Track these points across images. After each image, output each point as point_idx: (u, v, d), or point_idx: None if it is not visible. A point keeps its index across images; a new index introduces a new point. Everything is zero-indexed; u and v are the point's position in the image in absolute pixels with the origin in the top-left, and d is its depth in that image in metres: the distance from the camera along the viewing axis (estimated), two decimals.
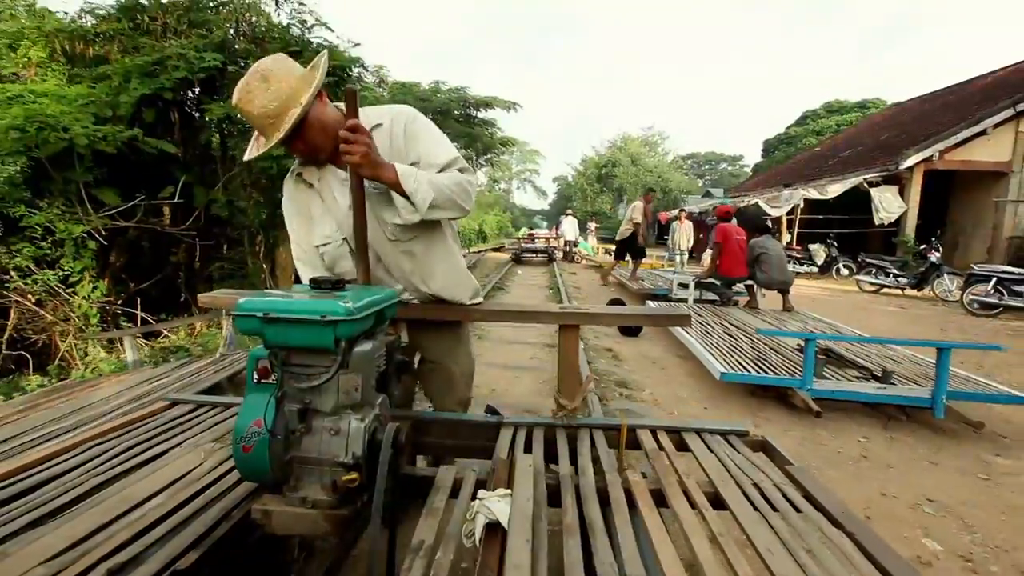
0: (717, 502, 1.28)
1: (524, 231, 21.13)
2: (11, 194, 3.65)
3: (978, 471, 2.72)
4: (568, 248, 15.63)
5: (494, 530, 1.10)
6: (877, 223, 11.26)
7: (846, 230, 12.56)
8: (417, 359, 1.73)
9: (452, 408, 1.79)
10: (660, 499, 1.30)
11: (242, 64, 5.63)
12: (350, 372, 1.07)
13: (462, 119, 10.22)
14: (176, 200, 4.95)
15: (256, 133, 1.30)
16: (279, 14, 6.26)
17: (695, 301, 6.67)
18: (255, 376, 1.07)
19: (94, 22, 5.73)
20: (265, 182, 5.76)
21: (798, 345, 3.85)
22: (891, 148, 12.55)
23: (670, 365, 4.64)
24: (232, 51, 5.70)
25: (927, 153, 10.89)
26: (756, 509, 1.23)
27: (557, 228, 18.53)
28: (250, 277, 5.96)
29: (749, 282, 6.07)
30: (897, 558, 1.04)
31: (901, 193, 11.28)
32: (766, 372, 3.49)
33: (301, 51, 5.84)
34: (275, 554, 1.24)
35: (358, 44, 6.52)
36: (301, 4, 6.25)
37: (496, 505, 1.13)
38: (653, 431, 1.70)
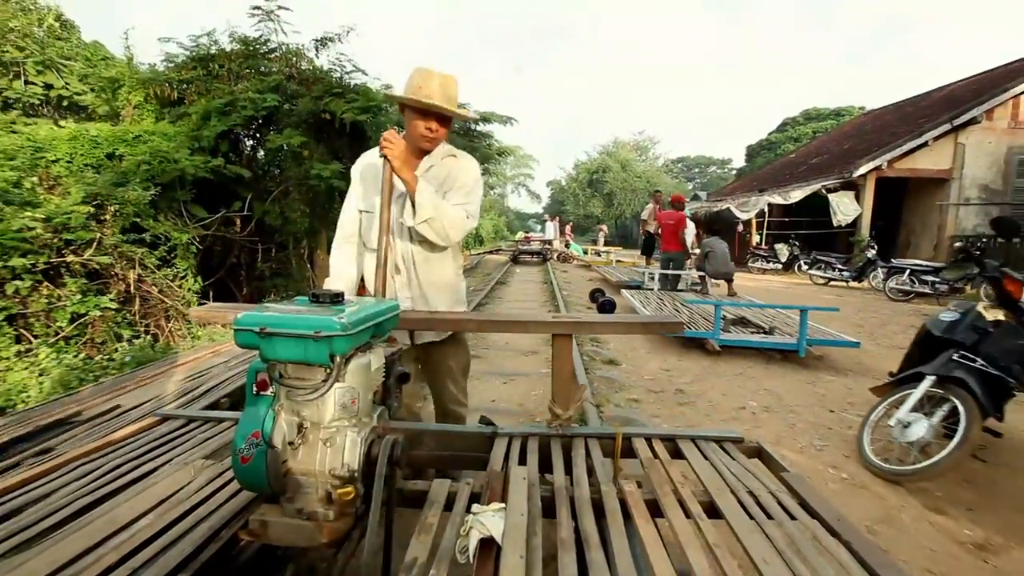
0: (712, 511, 1.28)
1: (520, 234, 21.77)
2: (145, 211, 4.80)
3: (808, 380, 4.16)
4: (547, 246, 17.49)
5: (488, 545, 1.09)
6: (835, 224, 12.55)
7: (811, 231, 13.92)
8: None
9: (453, 397, 1.94)
10: (655, 509, 1.29)
11: (294, 102, 6.68)
12: (347, 385, 1.07)
13: (463, 132, 11.04)
14: (243, 213, 6.23)
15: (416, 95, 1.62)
16: (319, 58, 7.52)
17: (659, 288, 7.93)
18: (254, 388, 1.07)
19: (168, 67, 7.06)
20: (311, 196, 6.73)
21: (726, 315, 5.42)
22: (851, 156, 13.72)
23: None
24: (285, 92, 6.78)
25: (877, 162, 12.16)
26: (752, 518, 1.23)
27: (554, 231, 20.18)
28: (294, 275, 6.96)
29: (701, 273, 7.61)
30: (894, 567, 1.04)
31: (857, 198, 12.53)
32: (691, 328, 4.98)
33: (343, 92, 6.76)
34: (266, 574, 1.22)
35: (390, 86, 7.59)
36: (341, 54, 7.51)
37: (490, 520, 1.12)
38: (648, 439, 1.70)
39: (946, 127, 11.90)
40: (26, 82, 6.75)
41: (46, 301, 3.94)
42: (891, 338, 5.77)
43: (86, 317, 4.10)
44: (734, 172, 44.00)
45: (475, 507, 1.19)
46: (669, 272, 8.15)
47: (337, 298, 1.14)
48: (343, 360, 1.04)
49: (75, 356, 3.92)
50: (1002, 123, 12.02)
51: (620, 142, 42.71)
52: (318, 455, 1.05)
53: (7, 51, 6.66)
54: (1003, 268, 2.67)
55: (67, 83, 7.06)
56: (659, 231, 8.71)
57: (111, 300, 4.26)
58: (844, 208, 12.40)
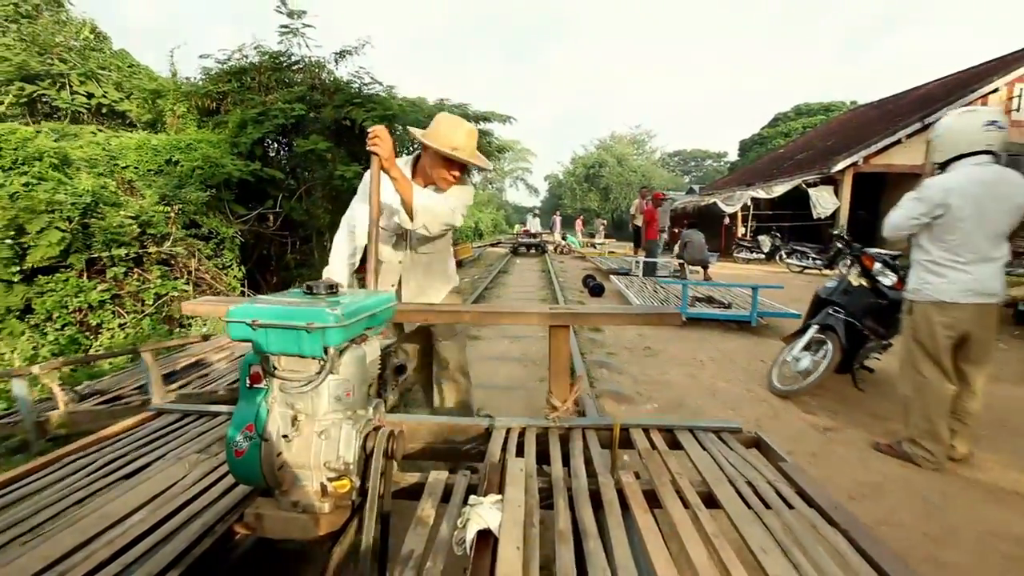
0: (711, 501, 1.27)
1: (518, 227, 23.67)
2: (199, 210, 5.56)
3: (754, 342, 4.99)
4: (543, 239, 18.81)
5: (485, 537, 1.08)
6: (815, 217, 13.40)
7: (794, 223, 14.76)
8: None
9: (455, 371, 2.10)
10: (653, 500, 1.29)
11: (318, 111, 7.50)
12: (341, 378, 1.05)
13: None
14: (275, 210, 7.05)
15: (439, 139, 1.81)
16: (338, 69, 8.42)
17: (643, 274, 8.94)
18: (247, 381, 1.06)
19: (205, 79, 7.97)
20: (334, 195, 7.46)
21: (696, 294, 6.36)
22: (832, 152, 14.37)
23: (612, 299, 7.62)
24: (309, 101, 7.56)
25: (854, 159, 12.92)
26: (750, 507, 1.22)
27: (551, 227, 22.23)
28: (316, 265, 7.33)
29: (681, 260, 8.52)
30: (892, 556, 1.04)
31: (837, 192, 13.23)
32: (663, 303, 6.22)
33: (362, 103, 7.49)
34: (260, 570, 1.21)
35: (393, 87, 8.68)
36: (361, 67, 8.54)
37: (487, 512, 1.11)
38: (646, 430, 1.69)
39: (917, 125, 12.56)
40: (71, 92, 7.51)
41: (137, 284, 4.80)
42: None
43: (165, 297, 4.90)
44: (728, 165, 44.19)
45: (472, 499, 1.18)
46: (651, 260, 9.17)
47: (331, 290, 1.12)
48: (337, 352, 1.03)
49: (155, 328, 4.68)
50: None
51: (617, 136, 43.38)
52: (313, 448, 1.04)
53: (54, 64, 7.48)
54: (863, 249, 3.52)
55: (105, 92, 7.78)
56: (647, 224, 9.72)
57: (184, 283, 5.12)
58: (823, 202, 13.18)
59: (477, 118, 13.13)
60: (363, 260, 1.85)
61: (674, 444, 1.65)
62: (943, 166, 2.46)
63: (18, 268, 4.05)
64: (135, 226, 4.72)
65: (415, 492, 1.33)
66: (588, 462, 1.47)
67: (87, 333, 4.42)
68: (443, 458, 1.74)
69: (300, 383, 1.02)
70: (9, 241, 3.98)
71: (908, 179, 12.46)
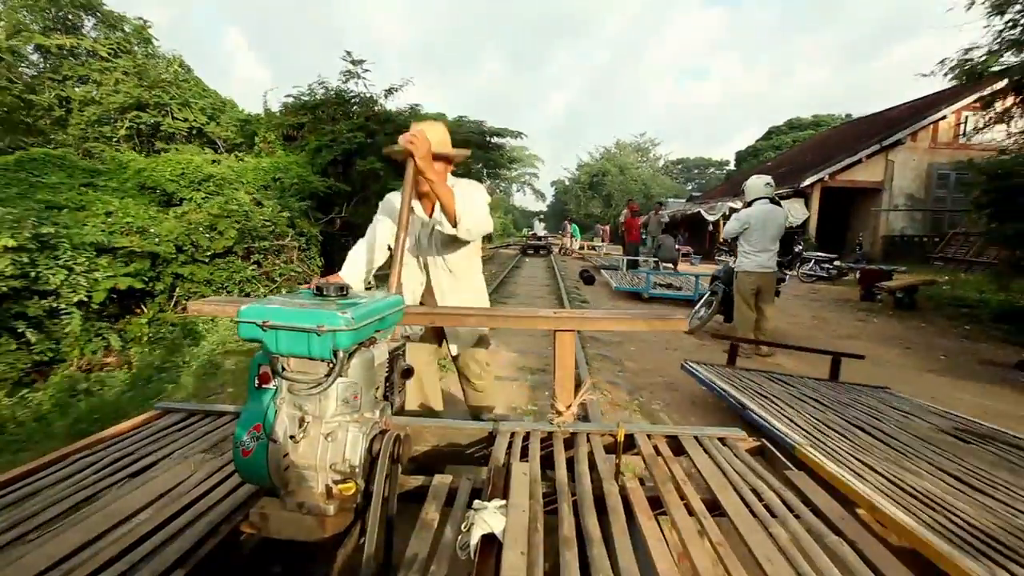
0: (715, 508, 1.27)
1: (526, 230, 26.23)
2: (299, 215, 7.33)
3: (691, 311, 5.89)
4: (548, 241, 21.47)
5: (490, 541, 1.08)
6: (787, 226, 13.84)
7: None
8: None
9: (479, 359, 2.07)
10: (658, 506, 1.28)
11: (373, 138, 9.28)
12: (349, 380, 1.05)
13: (481, 145, 14.33)
14: (341, 216, 8.99)
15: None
16: (387, 101, 10.78)
17: (626, 268, 11.26)
18: (256, 381, 1.06)
19: (283, 112, 10.36)
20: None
21: (658, 282, 8.46)
22: (807, 168, 16.16)
23: (599, 287, 10.07)
24: (366, 129, 9.49)
25: (821, 175, 14.83)
26: (755, 515, 1.22)
27: (562, 231, 25.02)
28: None
29: (655, 259, 11.13)
30: (898, 566, 1.03)
31: (808, 204, 15.05)
32: (633, 286, 8.54)
33: (408, 129, 8.94)
34: (264, 570, 1.22)
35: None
36: (410, 104, 11.31)
37: (492, 516, 1.11)
38: (650, 436, 1.69)
39: (876, 147, 14.58)
40: (172, 118, 9.75)
41: (270, 266, 6.51)
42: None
43: (282, 278, 6.54)
44: (725, 174, 45.21)
45: (476, 503, 1.18)
46: (632, 258, 11.94)
47: (342, 292, 1.13)
48: (346, 355, 1.03)
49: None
50: (924, 143, 14.90)
51: (622, 144, 45.37)
52: (319, 449, 1.04)
53: (160, 96, 9.60)
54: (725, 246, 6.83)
55: (195, 117, 9.94)
56: (628, 231, 13.01)
57: (295, 268, 6.73)
58: (795, 212, 14.78)
59: (491, 133, 15.74)
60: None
61: (678, 450, 1.64)
62: (748, 204, 4.67)
63: (209, 253, 5.81)
64: (269, 226, 6.55)
65: (419, 495, 1.33)
66: (592, 467, 1.47)
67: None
68: (447, 461, 1.74)
69: (309, 385, 1.02)
70: (208, 235, 5.81)
71: (870, 194, 15.35)
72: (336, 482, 1.04)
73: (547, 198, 50.64)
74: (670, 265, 10.95)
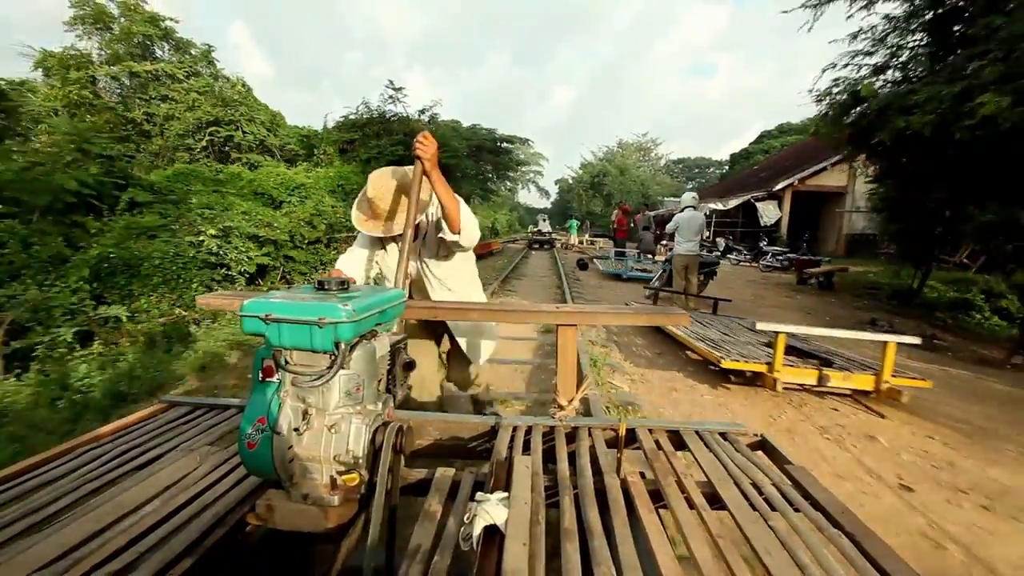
0: (716, 502, 1.28)
1: (531, 228, 27.56)
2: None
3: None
4: (550, 236, 23.29)
5: (492, 533, 1.09)
6: (762, 225, 17.16)
7: (746, 229, 18.92)
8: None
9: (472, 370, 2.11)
10: (658, 499, 1.29)
11: (409, 151, 10.25)
12: (351, 372, 1.07)
13: (492, 151, 16.30)
14: None
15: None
16: (422, 118, 13.03)
17: (614, 258, 12.65)
18: (260, 375, 1.07)
19: (337, 128, 12.86)
20: None
21: (636, 266, 10.80)
22: (782, 172, 17.88)
23: (591, 273, 11.84)
24: (406, 144, 10.79)
25: (791, 180, 16.66)
26: (755, 509, 1.22)
27: (567, 228, 26.78)
28: None
29: (637, 251, 13.24)
30: (897, 559, 1.04)
31: (780, 205, 16.94)
32: (616, 269, 10.89)
33: (443, 145, 11.03)
34: (270, 560, 1.23)
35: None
36: (456, 123, 13.92)
37: (494, 508, 1.12)
38: (651, 430, 1.69)
39: (839, 155, 15.52)
40: (243, 132, 11.70)
41: (327, 256, 8.07)
42: (726, 281, 9.76)
43: (330, 265, 7.89)
44: (720, 175, 45.89)
45: (479, 495, 1.19)
46: (620, 250, 13.59)
47: (343, 285, 1.14)
48: (348, 347, 1.04)
49: None
50: None
51: (624, 143, 46.43)
52: (323, 441, 1.05)
53: (232, 113, 11.51)
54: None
55: (258, 130, 11.89)
56: (618, 228, 15.97)
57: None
58: (768, 213, 17.03)
59: (501, 140, 17.50)
60: None
61: (679, 445, 1.65)
62: (682, 210, 6.87)
63: (307, 241, 7.74)
64: (344, 222, 8.07)
65: (422, 488, 1.34)
66: (594, 461, 1.48)
67: None
68: (450, 455, 1.75)
69: (311, 377, 1.04)
70: (307, 228, 7.76)
71: (836, 196, 17.10)
72: (340, 473, 1.05)
73: (551, 195, 51.07)
74: (651, 256, 13.10)
